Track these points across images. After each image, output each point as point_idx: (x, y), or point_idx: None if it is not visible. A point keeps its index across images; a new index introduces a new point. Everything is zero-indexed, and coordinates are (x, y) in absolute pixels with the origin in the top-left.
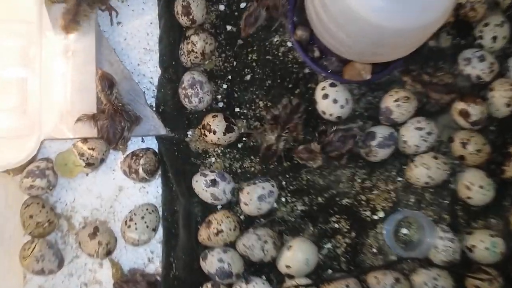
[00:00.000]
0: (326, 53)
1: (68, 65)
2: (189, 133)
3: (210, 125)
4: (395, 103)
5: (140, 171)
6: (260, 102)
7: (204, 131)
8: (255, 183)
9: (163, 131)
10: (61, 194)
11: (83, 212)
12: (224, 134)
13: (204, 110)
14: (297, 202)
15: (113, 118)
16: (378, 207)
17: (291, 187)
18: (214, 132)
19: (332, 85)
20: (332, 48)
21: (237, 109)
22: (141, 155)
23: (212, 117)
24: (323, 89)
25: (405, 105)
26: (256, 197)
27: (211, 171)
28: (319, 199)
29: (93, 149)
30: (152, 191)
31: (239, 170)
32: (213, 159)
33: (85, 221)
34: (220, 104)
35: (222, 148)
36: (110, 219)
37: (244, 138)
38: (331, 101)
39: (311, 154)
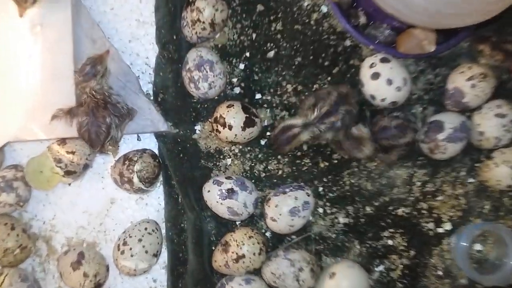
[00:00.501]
0: (374, 19)
1: (37, 44)
2: (198, 128)
3: (224, 118)
4: (469, 82)
5: (135, 179)
6: (288, 86)
7: (217, 126)
8: (285, 192)
9: (163, 126)
10: (38, 210)
11: (66, 231)
12: (243, 129)
13: (215, 98)
14: (339, 213)
15: (94, 113)
16: (443, 218)
17: (330, 194)
18: (230, 127)
19: (384, 60)
20: (388, 8)
21: (258, 96)
22: (135, 159)
23: (227, 107)
24: (372, 66)
25: (482, 85)
26: (287, 210)
27: (227, 178)
28: (367, 208)
29: (73, 152)
30: (153, 204)
31: (263, 174)
32: (229, 161)
33: (68, 243)
34: (237, 90)
35: (241, 147)
36: (100, 239)
37: (268, 133)
38: (383, 81)
39: (356, 141)
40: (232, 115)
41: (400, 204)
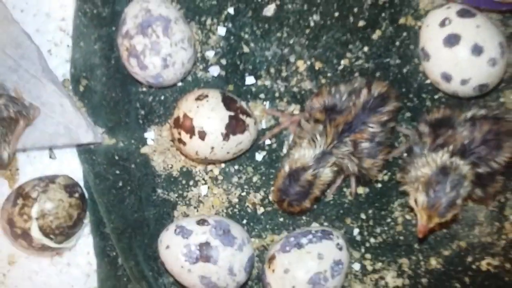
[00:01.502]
0: None
1: None
2: (150, 136)
3: (191, 119)
4: None
5: (34, 231)
6: (299, 62)
7: (180, 133)
8: (300, 245)
9: (88, 135)
10: None
11: None
12: (226, 137)
13: (178, 85)
14: (386, 269)
15: None
16: None
17: (372, 240)
18: (202, 135)
19: (464, 14)
20: None
21: (250, 80)
22: (34, 195)
23: (196, 99)
24: (444, 23)
25: None
26: (305, 280)
27: (200, 221)
28: (432, 261)
29: None
30: (79, 264)
31: (261, 210)
32: (204, 190)
33: None
34: (214, 71)
35: (223, 166)
36: None
37: (268, 142)
38: (467, 49)
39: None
40: (206, 114)
41: (484, 253)
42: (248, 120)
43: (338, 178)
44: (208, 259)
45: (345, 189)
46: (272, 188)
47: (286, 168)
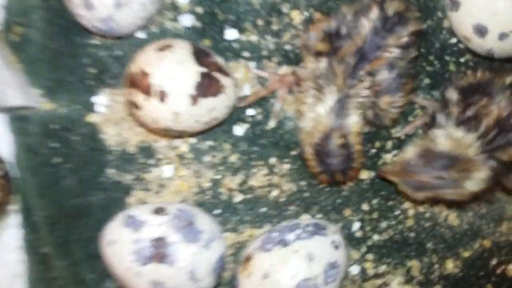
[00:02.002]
0: None
1: None
2: (99, 101)
3: (148, 76)
4: None
5: None
6: (294, 13)
7: (134, 94)
8: (285, 242)
9: (19, 97)
10: None
11: None
12: (195, 100)
13: (138, 36)
14: (392, 273)
15: None
16: None
17: (376, 237)
18: (163, 96)
19: None
20: None
21: (231, 34)
22: None
23: (159, 50)
24: None
25: None
26: (293, 285)
27: (157, 210)
28: (449, 264)
29: None
30: (4, 261)
31: (238, 198)
32: (168, 171)
33: None
34: (187, 21)
35: (194, 141)
36: None
37: (251, 112)
38: None
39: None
40: (169, 69)
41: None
42: (225, 80)
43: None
44: (163, 259)
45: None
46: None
47: (307, 148)
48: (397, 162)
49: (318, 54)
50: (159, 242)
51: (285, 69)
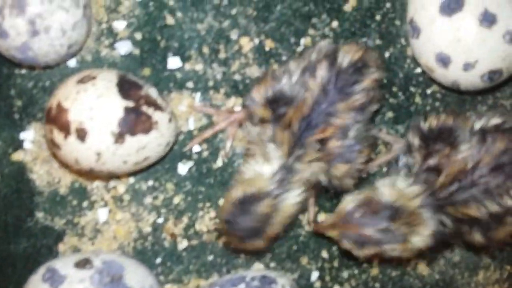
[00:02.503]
0: None
1: None
2: (28, 137)
3: (67, 112)
4: None
5: None
6: (244, 40)
7: (52, 131)
8: None
9: None
10: None
11: None
12: (119, 138)
13: (69, 66)
14: None
15: None
16: None
17: None
18: (82, 135)
19: None
20: None
21: (175, 62)
22: None
23: (79, 82)
24: None
25: None
26: None
27: (82, 262)
28: None
29: None
30: None
31: (183, 245)
32: (102, 214)
33: None
34: (124, 48)
35: (132, 182)
36: None
37: (196, 149)
38: (473, 18)
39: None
40: (88, 104)
41: None
42: (158, 116)
43: (310, 200)
44: None
45: (300, 216)
46: (216, 214)
47: (237, 192)
48: (335, 213)
49: (262, 120)
50: None
51: (233, 101)
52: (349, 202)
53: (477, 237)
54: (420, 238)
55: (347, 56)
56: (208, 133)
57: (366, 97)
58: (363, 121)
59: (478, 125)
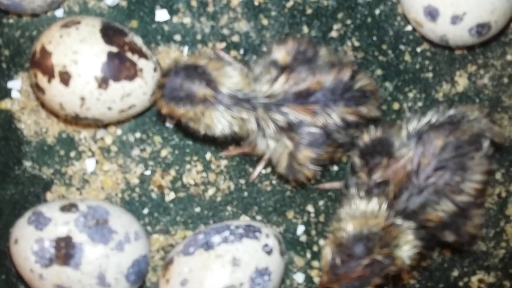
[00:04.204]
0: None
1: None
2: (15, 86)
3: (50, 55)
4: None
5: None
6: None
7: (36, 76)
8: (208, 245)
9: None
10: None
11: None
12: (103, 83)
13: (57, 15)
14: None
15: None
16: None
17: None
18: (66, 79)
19: None
20: None
21: (162, 15)
22: None
23: (63, 27)
24: None
25: None
26: None
27: (67, 206)
28: (404, 275)
29: None
30: None
31: (170, 196)
32: (90, 165)
33: None
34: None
35: (119, 133)
36: None
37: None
38: None
39: None
40: (72, 47)
41: (475, 265)
42: (143, 63)
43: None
44: (66, 261)
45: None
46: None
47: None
48: (324, 271)
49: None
50: (62, 242)
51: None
52: (327, 253)
53: (450, 237)
54: (407, 247)
55: (361, 81)
56: (245, 149)
57: (356, 119)
58: (343, 135)
59: (411, 127)
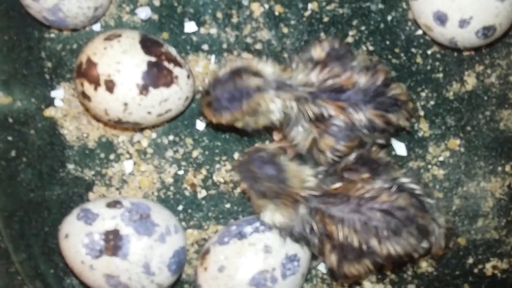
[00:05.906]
0: None
1: None
2: (58, 95)
3: (96, 66)
4: None
5: None
6: (253, 5)
7: (82, 84)
8: (242, 235)
9: None
10: None
11: None
12: (143, 90)
13: (95, 30)
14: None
15: None
16: None
17: None
18: (110, 87)
19: None
20: None
21: (190, 27)
22: None
23: (106, 39)
24: None
25: None
26: (245, 280)
27: (112, 203)
28: (422, 263)
29: None
30: None
31: (202, 194)
32: (129, 166)
33: None
34: (143, 13)
35: (154, 136)
36: None
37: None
38: None
39: None
40: (115, 58)
41: (489, 253)
42: (177, 71)
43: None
44: (115, 252)
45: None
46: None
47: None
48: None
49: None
50: (111, 235)
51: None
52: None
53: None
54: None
55: (395, 89)
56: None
57: (383, 125)
58: (370, 139)
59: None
